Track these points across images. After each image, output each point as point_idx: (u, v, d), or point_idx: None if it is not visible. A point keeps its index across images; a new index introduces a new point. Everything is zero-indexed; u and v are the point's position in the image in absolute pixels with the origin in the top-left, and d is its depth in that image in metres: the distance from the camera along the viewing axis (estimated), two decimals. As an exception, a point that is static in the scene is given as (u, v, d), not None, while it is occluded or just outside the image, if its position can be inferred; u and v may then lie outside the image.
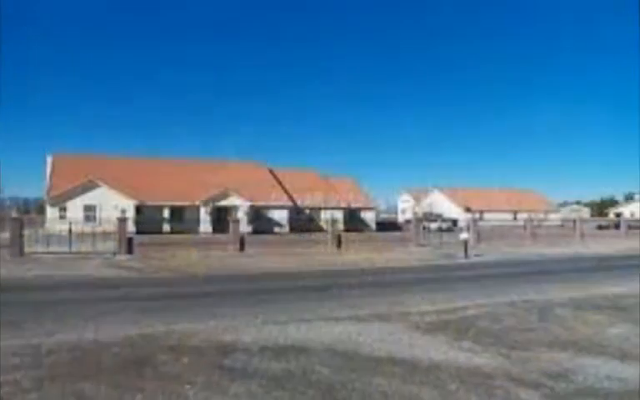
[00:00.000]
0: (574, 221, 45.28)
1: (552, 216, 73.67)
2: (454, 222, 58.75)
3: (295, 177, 57.87)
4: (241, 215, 45.08)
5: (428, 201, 78.38)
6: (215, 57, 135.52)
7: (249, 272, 19.18)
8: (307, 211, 56.44)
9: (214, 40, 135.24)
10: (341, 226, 46.64)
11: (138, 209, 46.68)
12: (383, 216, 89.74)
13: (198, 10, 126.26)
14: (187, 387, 5.67)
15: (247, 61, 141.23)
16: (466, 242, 25.51)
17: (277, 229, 51.22)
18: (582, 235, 38.64)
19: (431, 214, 61.30)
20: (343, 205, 57.74)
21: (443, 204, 74.47)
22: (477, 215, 57.43)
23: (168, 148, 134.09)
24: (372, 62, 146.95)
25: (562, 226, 61.04)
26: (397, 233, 41.75)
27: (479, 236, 34.12)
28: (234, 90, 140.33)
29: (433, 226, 45.82)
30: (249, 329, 8.62)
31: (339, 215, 52.85)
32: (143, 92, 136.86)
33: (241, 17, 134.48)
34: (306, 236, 36.04)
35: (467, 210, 67.09)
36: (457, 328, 8.75)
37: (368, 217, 61.36)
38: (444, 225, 51.97)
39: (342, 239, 30.34)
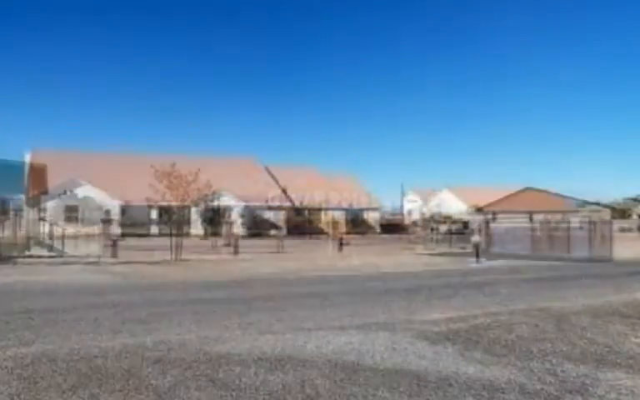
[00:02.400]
0: (594, 222, 45.23)
1: (571, 217, 73.65)
2: (465, 224, 58.72)
3: (293, 175, 57.83)
4: (235, 216, 45.12)
5: (437, 201, 78.58)
6: (209, 47, 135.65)
7: (243, 278, 19.19)
8: (307, 211, 56.44)
9: (209, 29, 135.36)
10: (342, 227, 46.66)
11: (124, 210, 46.68)
12: (388, 217, 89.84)
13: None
14: (176, 401, 5.66)
15: (245, 54, 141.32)
16: (477, 246, 25.52)
17: (273, 231, 51.08)
18: (603, 237, 38.62)
19: (439, 216, 61.38)
20: (345, 205, 57.75)
21: (453, 204, 74.57)
22: (490, 216, 57.35)
23: (157, 144, 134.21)
24: (376, 59, 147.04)
25: (580, 228, 60.98)
26: (403, 236, 41.71)
27: (492, 239, 34.13)
28: (230, 84, 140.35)
29: (442, 228, 45.88)
30: (243, 339, 8.61)
31: (341, 216, 52.84)
32: (131, 84, 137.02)
33: (238, 9, 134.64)
34: (305, 238, 36.11)
35: (479, 211, 67.09)
36: (468, 338, 8.75)
37: (372, 218, 61.38)
38: (454, 227, 51.99)
39: (344, 242, 30.38)
